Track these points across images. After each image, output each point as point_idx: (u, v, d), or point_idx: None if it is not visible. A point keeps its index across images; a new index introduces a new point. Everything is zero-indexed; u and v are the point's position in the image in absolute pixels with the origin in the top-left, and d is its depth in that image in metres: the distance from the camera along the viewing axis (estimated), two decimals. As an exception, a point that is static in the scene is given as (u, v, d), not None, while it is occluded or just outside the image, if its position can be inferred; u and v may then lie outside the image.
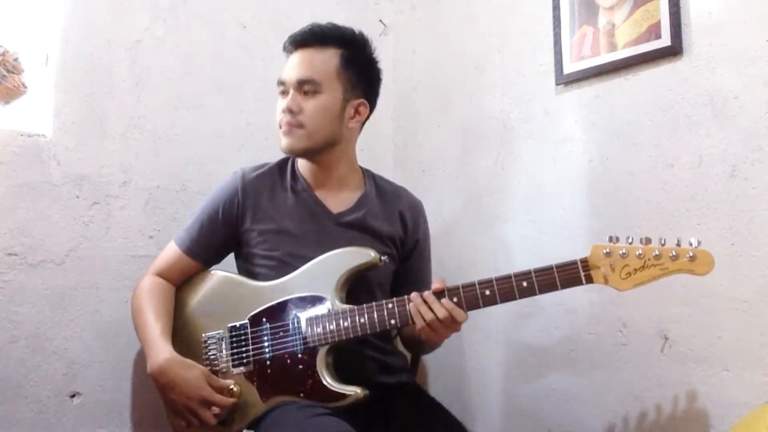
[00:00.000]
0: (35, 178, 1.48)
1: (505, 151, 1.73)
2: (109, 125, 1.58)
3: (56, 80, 1.52)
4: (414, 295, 1.22)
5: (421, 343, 1.40)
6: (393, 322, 1.23)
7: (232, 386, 1.27)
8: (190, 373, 1.25)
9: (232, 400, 1.25)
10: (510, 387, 1.70)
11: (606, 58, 1.48)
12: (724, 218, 1.29)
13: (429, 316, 1.19)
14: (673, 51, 1.36)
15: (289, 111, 1.34)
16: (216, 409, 1.24)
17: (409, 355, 1.62)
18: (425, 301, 1.20)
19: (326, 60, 1.37)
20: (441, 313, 1.19)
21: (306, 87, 1.35)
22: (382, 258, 1.30)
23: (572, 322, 1.55)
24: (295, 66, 1.37)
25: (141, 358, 1.57)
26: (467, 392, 1.80)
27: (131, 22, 1.63)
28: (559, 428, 1.57)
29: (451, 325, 1.20)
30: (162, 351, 1.28)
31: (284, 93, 1.38)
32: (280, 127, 1.37)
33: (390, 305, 1.23)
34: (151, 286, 1.39)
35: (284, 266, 1.33)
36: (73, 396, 1.50)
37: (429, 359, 1.84)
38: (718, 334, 1.29)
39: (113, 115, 1.59)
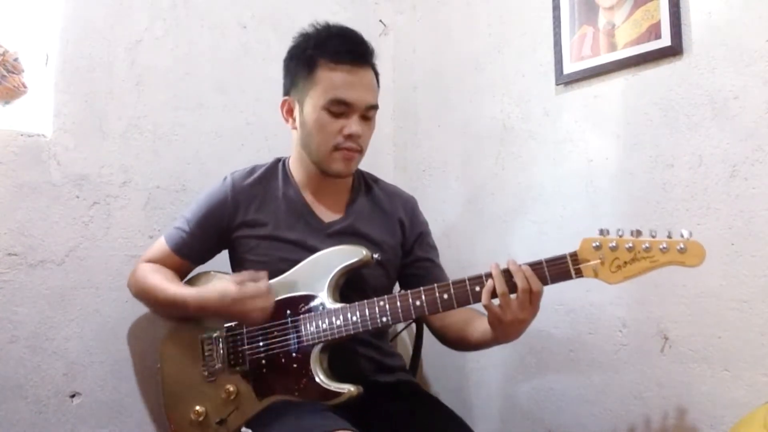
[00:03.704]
0: (35, 178, 1.48)
1: (505, 151, 1.73)
2: (109, 125, 1.58)
3: (56, 80, 1.52)
4: (493, 264, 1.17)
5: (466, 336, 1.33)
6: (385, 319, 1.23)
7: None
8: (214, 289, 1.29)
9: (263, 284, 1.26)
10: (510, 387, 1.70)
11: (606, 58, 1.48)
12: (724, 218, 1.29)
13: (502, 288, 1.14)
14: (673, 51, 1.36)
15: (357, 137, 1.31)
16: (259, 300, 1.26)
17: (408, 356, 1.62)
18: (507, 270, 1.16)
19: (376, 81, 1.37)
20: (521, 282, 1.14)
21: (371, 112, 1.34)
22: (374, 256, 1.30)
23: (572, 322, 1.55)
24: (363, 88, 1.31)
25: (141, 357, 1.58)
26: (467, 392, 1.80)
27: (131, 22, 1.63)
28: (559, 428, 1.57)
29: (525, 301, 1.14)
30: (188, 297, 1.31)
31: (342, 114, 1.30)
32: (335, 149, 1.32)
33: (382, 302, 1.23)
34: (151, 266, 1.41)
35: (277, 272, 1.33)
36: (73, 396, 1.50)
37: (429, 359, 1.84)
38: (718, 334, 1.29)
39: (113, 115, 1.59)
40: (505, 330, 1.20)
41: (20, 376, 1.44)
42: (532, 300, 1.16)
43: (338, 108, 1.30)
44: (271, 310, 1.27)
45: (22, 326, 1.45)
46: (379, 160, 1.99)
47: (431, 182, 1.95)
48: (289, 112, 1.38)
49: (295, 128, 1.39)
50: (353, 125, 1.30)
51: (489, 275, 1.17)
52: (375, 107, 1.35)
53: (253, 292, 1.26)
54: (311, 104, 1.32)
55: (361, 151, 1.36)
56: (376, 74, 1.38)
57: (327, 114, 1.30)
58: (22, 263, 1.45)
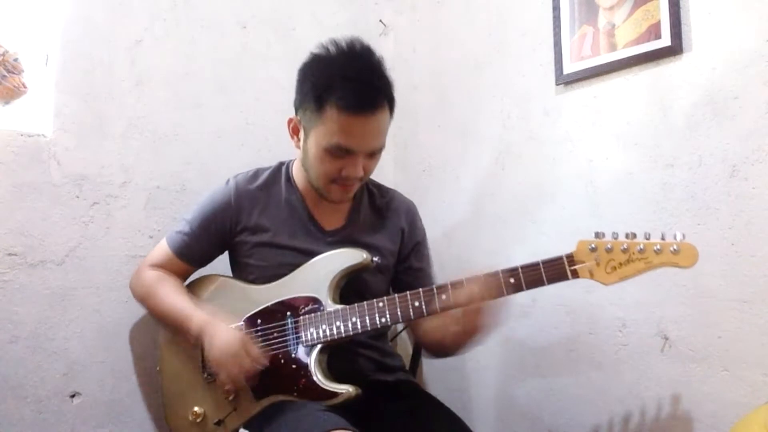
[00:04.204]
0: (35, 178, 1.48)
1: (505, 151, 1.73)
2: (109, 125, 1.58)
3: (56, 80, 1.53)
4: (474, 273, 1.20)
5: (442, 342, 1.35)
6: (384, 320, 1.23)
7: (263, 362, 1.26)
8: (223, 330, 1.26)
9: (257, 367, 1.24)
10: (509, 387, 1.70)
11: (606, 58, 1.48)
12: (724, 218, 1.29)
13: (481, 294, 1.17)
14: (673, 51, 1.36)
15: (357, 178, 1.30)
16: (242, 374, 1.24)
17: (408, 356, 1.62)
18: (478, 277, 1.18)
19: (387, 119, 1.31)
20: (478, 293, 1.17)
21: (375, 153, 1.32)
22: (374, 259, 1.30)
23: (572, 322, 1.55)
24: (369, 135, 1.27)
25: (141, 358, 1.58)
26: (466, 392, 1.80)
27: (131, 22, 1.63)
28: (559, 428, 1.57)
29: (479, 313, 1.18)
30: (199, 317, 1.30)
31: (344, 157, 1.28)
32: (333, 182, 1.31)
33: (381, 304, 1.23)
34: (156, 275, 1.41)
35: (277, 276, 1.34)
36: (73, 396, 1.50)
37: (429, 359, 1.84)
38: (718, 334, 1.29)
39: (113, 115, 1.59)
40: (461, 337, 1.26)
41: (20, 376, 1.44)
42: (487, 312, 1.19)
43: (340, 153, 1.27)
44: (239, 385, 1.26)
45: (22, 326, 1.45)
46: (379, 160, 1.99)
47: (431, 182, 1.95)
48: (295, 131, 1.36)
49: (298, 147, 1.37)
50: (352, 169, 1.28)
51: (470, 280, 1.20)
52: (380, 148, 1.32)
53: (247, 365, 1.23)
54: (314, 140, 1.29)
55: (361, 180, 1.34)
56: (391, 106, 1.32)
57: (328, 155, 1.28)
58: (22, 263, 1.45)
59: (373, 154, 1.32)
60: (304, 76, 1.32)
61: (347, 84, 1.24)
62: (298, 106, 1.34)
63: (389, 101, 1.30)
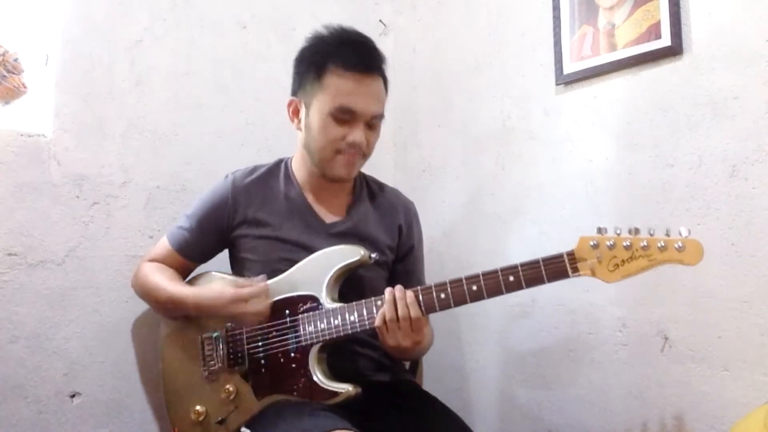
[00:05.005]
0: (35, 178, 1.48)
1: (505, 151, 1.73)
2: (109, 125, 1.58)
3: (56, 80, 1.52)
4: (388, 290, 1.22)
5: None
6: None
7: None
8: (212, 290, 1.33)
9: (260, 286, 1.29)
10: (509, 387, 1.70)
11: (606, 58, 1.48)
12: (724, 218, 1.29)
13: (390, 314, 1.19)
14: (673, 51, 1.36)
15: (361, 145, 1.32)
16: (255, 302, 1.28)
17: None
18: (394, 298, 1.20)
19: (383, 89, 1.36)
20: (401, 309, 1.19)
21: (376, 121, 1.34)
22: (372, 255, 1.30)
23: (572, 322, 1.55)
24: (370, 97, 1.31)
25: (141, 357, 1.58)
26: (466, 392, 1.80)
27: (131, 22, 1.63)
28: (559, 428, 1.57)
29: (407, 329, 1.19)
30: (187, 297, 1.34)
31: (347, 122, 1.30)
32: (337, 153, 1.32)
33: (379, 302, 1.23)
34: (154, 266, 1.42)
35: (276, 271, 1.34)
36: (73, 396, 1.50)
37: (429, 359, 1.84)
38: (718, 334, 1.29)
39: (113, 115, 1.59)
40: (392, 352, 1.26)
41: (20, 376, 1.44)
42: (413, 327, 1.19)
43: (344, 116, 1.29)
44: (267, 313, 1.29)
45: (22, 326, 1.45)
46: (379, 160, 1.98)
47: (431, 182, 1.95)
48: (295, 112, 1.38)
49: (299, 129, 1.38)
50: (357, 134, 1.30)
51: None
52: (381, 116, 1.34)
53: (249, 294, 1.28)
54: (317, 108, 1.31)
55: (364, 156, 1.36)
56: (386, 82, 1.36)
57: (332, 120, 1.30)
58: (22, 263, 1.45)
59: (373, 125, 1.34)
60: (302, 57, 1.37)
61: (345, 47, 1.31)
62: (297, 86, 1.37)
63: (383, 75, 1.35)
